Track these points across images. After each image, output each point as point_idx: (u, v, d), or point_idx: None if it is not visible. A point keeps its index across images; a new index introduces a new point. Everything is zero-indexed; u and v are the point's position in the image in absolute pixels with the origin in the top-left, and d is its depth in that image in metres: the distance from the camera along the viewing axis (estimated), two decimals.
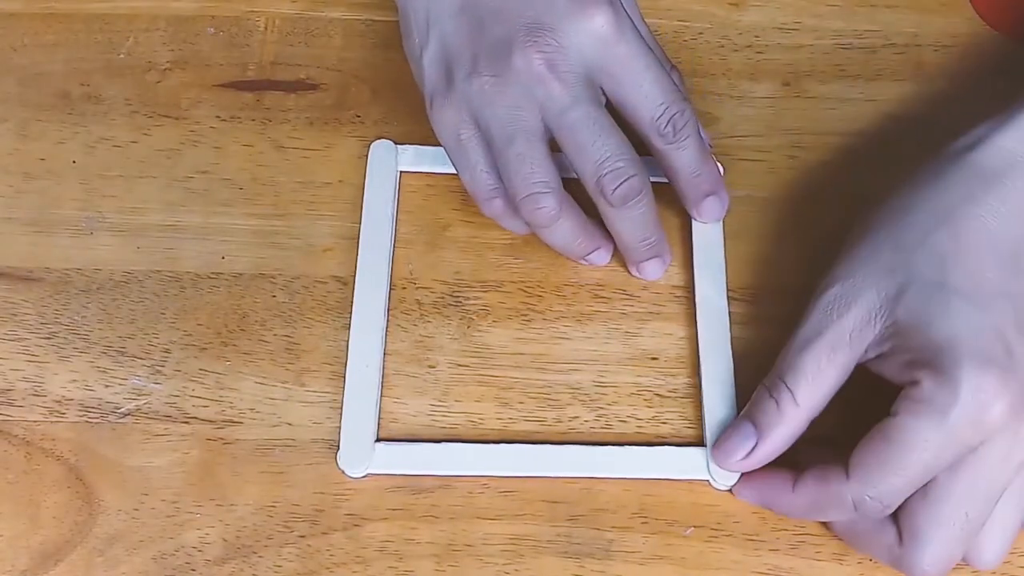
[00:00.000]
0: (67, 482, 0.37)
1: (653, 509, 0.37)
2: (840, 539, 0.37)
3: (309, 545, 0.36)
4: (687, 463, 0.38)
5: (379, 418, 0.39)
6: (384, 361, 0.40)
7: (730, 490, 0.37)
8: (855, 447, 0.34)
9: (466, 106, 0.37)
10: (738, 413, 0.38)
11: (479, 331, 0.40)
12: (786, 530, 0.37)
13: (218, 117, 0.44)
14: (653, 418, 0.39)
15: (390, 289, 0.41)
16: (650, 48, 0.38)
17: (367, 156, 0.43)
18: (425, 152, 0.43)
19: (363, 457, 0.37)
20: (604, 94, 0.38)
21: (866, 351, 0.35)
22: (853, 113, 0.45)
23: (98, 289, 0.41)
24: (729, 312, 0.40)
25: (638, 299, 0.41)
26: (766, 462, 0.36)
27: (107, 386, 0.39)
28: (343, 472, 0.37)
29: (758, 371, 0.39)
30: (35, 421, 0.38)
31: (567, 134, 0.37)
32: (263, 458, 0.38)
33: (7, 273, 0.41)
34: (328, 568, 0.36)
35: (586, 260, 0.41)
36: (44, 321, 0.40)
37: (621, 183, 0.37)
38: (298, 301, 0.41)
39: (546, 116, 0.37)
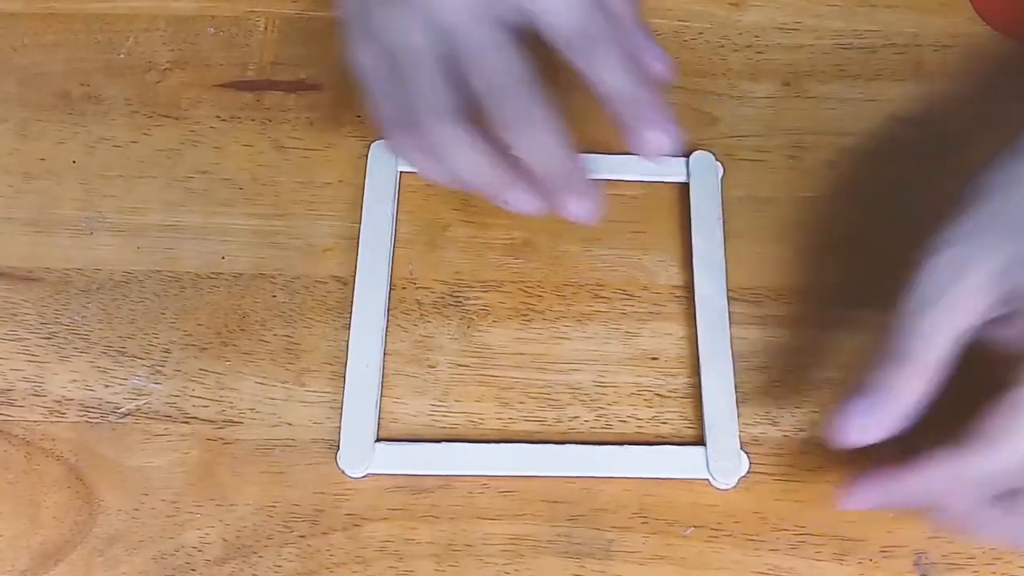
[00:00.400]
0: (67, 482, 0.37)
1: (653, 509, 0.37)
2: (945, 527, 0.35)
3: (309, 545, 0.36)
4: (687, 463, 0.38)
5: (379, 418, 0.39)
6: (384, 361, 0.40)
7: (844, 504, 0.34)
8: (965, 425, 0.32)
9: (375, 37, 0.36)
10: (738, 413, 0.39)
11: (479, 331, 0.40)
12: (786, 530, 0.37)
13: (218, 117, 0.44)
14: (653, 418, 0.39)
15: (390, 289, 0.41)
16: None
17: (367, 156, 0.43)
18: None
19: (363, 457, 0.37)
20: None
21: (983, 315, 0.33)
22: (853, 113, 0.45)
23: (98, 289, 0.41)
24: (729, 312, 0.40)
25: (638, 299, 0.41)
26: (889, 432, 0.33)
27: (107, 386, 0.39)
28: (343, 472, 0.37)
29: (758, 371, 0.40)
30: (35, 421, 0.38)
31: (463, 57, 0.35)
32: (263, 458, 0.38)
33: (7, 273, 0.41)
34: (328, 568, 0.36)
35: (505, 202, 0.38)
36: (44, 321, 0.40)
37: (510, 103, 0.35)
38: (298, 301, 0.41)
39: (446, 40, 0.35)
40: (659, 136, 0.36)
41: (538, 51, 0.37)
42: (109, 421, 0.38)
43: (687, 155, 0.43)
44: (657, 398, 0.39)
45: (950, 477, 0.32)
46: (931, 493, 0.33)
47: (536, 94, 0.35)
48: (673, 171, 0.43)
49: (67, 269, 0.41)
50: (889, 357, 0.33)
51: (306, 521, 0.37)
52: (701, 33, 0.47)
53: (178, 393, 0.39)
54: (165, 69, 0.45)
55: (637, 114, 0.36)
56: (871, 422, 0.33)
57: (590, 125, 0.45)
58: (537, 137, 0.36)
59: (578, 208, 0.37)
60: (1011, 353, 0.32)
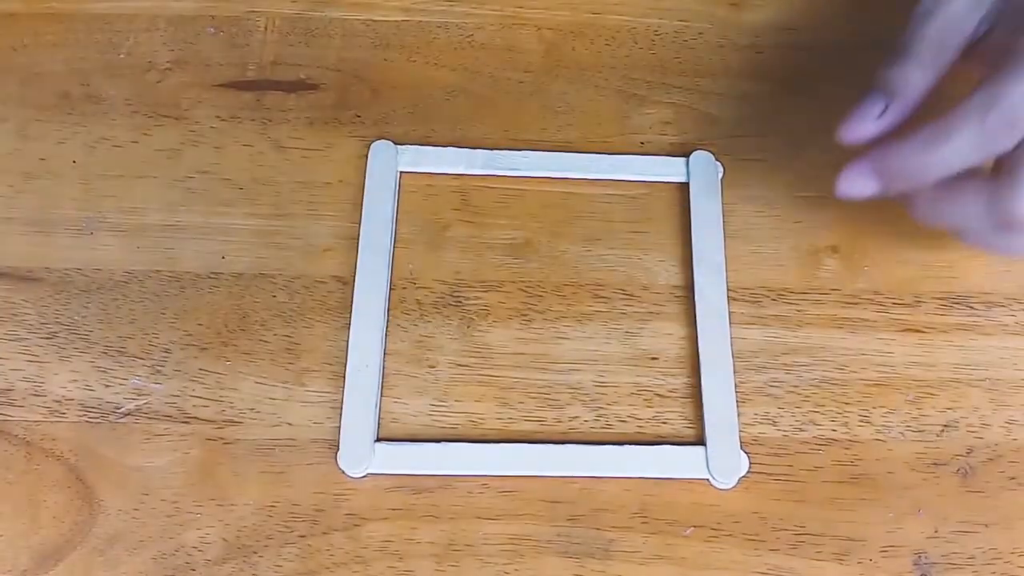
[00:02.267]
0: (67, 482, 0.37)
1: (653, 509, 0.37)
2: (924, 220, 0.36)
3: (309, 545, 0.36)
4: (687, 463, 0.38)
5: (379, 418, 0.39)
6: (384, 361, 0.40)
7: (846, 190, 0.36)
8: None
9: None
10: (738, 413, 0.39)
11: (479, 331, 0.40)
12: (786, 530, 0.37)
13: (218, 117, 0.44)
14: (653, 418, 0.39)
15: (390, 289, 0.41)
16: None
17: (367, 156, 0.43)
18: (425, 152, 0.43)
19: (363, 457, 0.37)
20: None
21: (980, 23, 0.35)
22: None
23: (98, 289, 0.41)
24: (729, 312, 0.40)
25: (638, 299, 0.41)
26: (896, 122, 0.36)
27: (107, 386, 0.39)
28: (343, 472, 0.37)
29: (758, 371, 0.40)
30: (35, 421, 0.38)
31: None
32: (263, 458, 0.38)
33: (7, 273, 0.41)
34: (328, 568, 0.36)
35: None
36: (44, 321, 0.40)
37: None
38: (298, 301, 0.41)
39: None
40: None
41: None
42: (109, 421, 0.38)
43: (687, 155, 0.44)
44: (657, 398, 0.39)
45: (950, 126, 0.33)
46: (927, 149, 0.34)
47: None
48: (673, 171, 0.43)
49: (67, 269, 0.41)
50: (896, 63, 0.36)
51: (306, 521, 0.37)
52: (701, 33, 0.47)
53: (178, 393, 0.39)
54: (165, 69, 0.45)
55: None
56: (877, 121, 0.36)
57: (591, 125, 0.45)
58: None
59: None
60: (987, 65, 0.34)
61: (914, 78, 0.36)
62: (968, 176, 0.34)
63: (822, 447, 0.39)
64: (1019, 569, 0.37)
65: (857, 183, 0.36)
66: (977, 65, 0.35)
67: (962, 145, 0.33)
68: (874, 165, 0.35)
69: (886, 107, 0.36)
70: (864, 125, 0.36)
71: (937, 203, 0.35)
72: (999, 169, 0.34)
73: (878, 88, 0.36)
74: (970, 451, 0.39)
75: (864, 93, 0.37)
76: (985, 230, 0.35)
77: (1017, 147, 0.33)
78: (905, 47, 0.36)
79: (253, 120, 0.44)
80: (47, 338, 0.40)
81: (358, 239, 0.41)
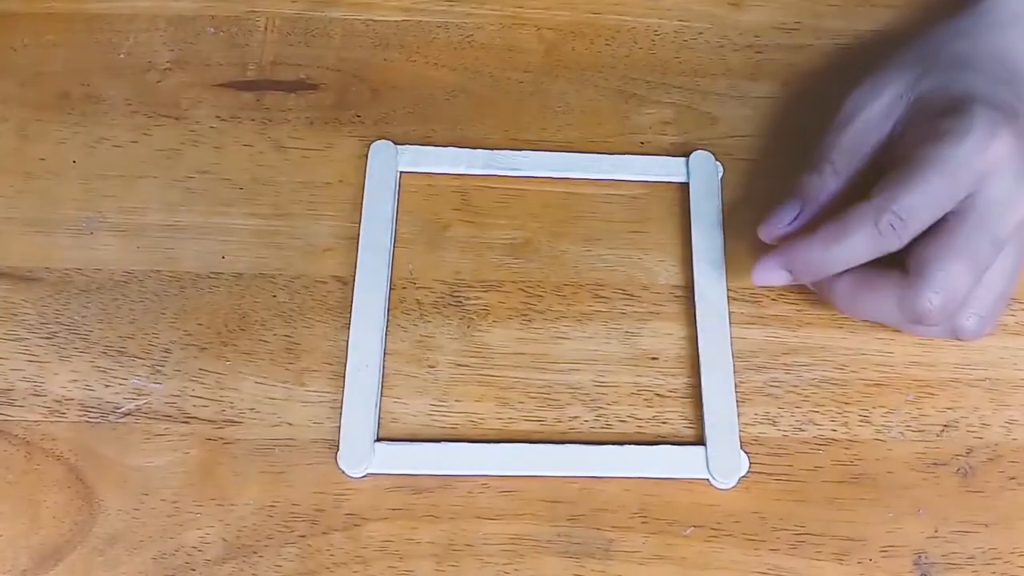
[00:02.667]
0: (67, 482, 0.37)
1: (653, 509, 0.37)
2: (844, 312, 0.39)
3: (309, 545, 0.36)
4: (687, 462, 0.38)
5: (379, 418, 0.39)
6: (384, 361, 0.40)
7: (760, 280, 0.39)
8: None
9: None
10: (738, 413, 0.39)
11: (479, 331, 0.40)
12: (786, 530, 0.37)
13: (218, 117, 0.44)
14: (653, 418, 0.39)
15: (390, 289, 0.41)
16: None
17: (367, 156, 0.43)
18: (425, 152, 0.43)
19: (363, 457, 0.37)
20: None
21: (894, 127, 0.39)
22: None
23: (98, 289, 0.41)
24: (729, 312, 0.40)
25: (638, 299, 0.41)
26: (806, 224, 0.38)
27: (107, 386, 0.39)
28: (343, 472, 0.37)
29: (758, 371, 0.40)
30: (35, 421, 0.38)
31: None
32: (263, 458, 0.38)
33: (7, 273, 0.41)
34: (328, 568, 0.36)
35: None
36: (44, 321, 0.40)
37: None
38: (298, 301, 0.41)
39: None
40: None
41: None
42: (109, 421, 0.38)
43: (687, 155, 0.44)
44: (657, 398, 0.39)
45: (849, 225, 0.36)
46: (831, 246, 0.37)
47: None
48: (673, 171, 0.43)
49: (67, 269, 0.41)
50: (813, 170, 0.39)
51: (306, 521, 0.37)
52: (701, 33, 0.47)
53: (178, 393, 0.39)
54: (165, 69, 0.45)
55: None
56: (791, 225, 0.39)
57: (591, 125, 0.45)
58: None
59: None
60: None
61: (827, 184, 0.39)
62: (881, 271, 0.37)
63: (822, 447, 0.39)
64: (1019, 569, 0.37)
65: (770, 275, 0.38)
66: (888, 164, 0.38)
67: (856, 244, 0.36)
68: (782, 260, 0.38)
69: (800, 211, 0.39)
70: (779, 228, 0.39)
71: (854, 299, 0.38)
72: (908, 268, 0.36)
73: (794, 194, 0.39)
74: (970, 451, 0.39)
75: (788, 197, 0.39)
76: (900, 321, 0.37)
77: (924, 246, 0.36)
78: (821, 155, 0.39)
79: (253, 120, 0.44)
80: (47, 338, 0.40)
81: (358, 239, 0.41)
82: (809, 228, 0.37)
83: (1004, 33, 0.40)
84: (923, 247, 0.36)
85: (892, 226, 0.35)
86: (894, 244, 0.36)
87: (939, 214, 0.36)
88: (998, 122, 0.36)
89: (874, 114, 0.39)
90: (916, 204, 0.35)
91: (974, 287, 0.36)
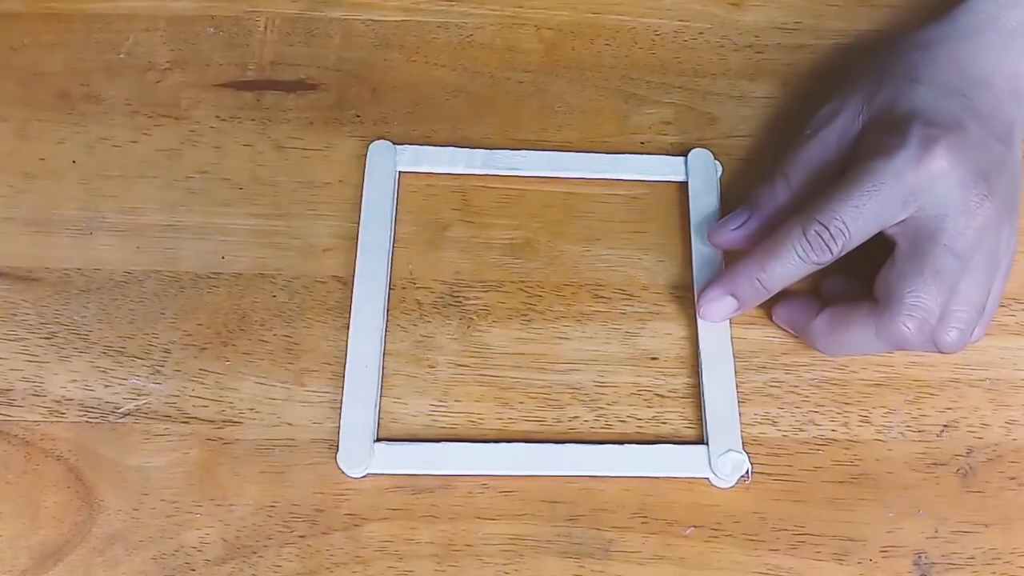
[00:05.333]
0: (67, 482, 0.37)
1: (653, 509, 0.37)
2: (828, 354, 0.40)
3: (309, 545, 0.36)
4: (687, 461, 0.38)
5: (379, 418, 0.39)
6: (384, 361, 0.40)
7: (707, 315, 0.39)
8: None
9: None
10: (739, 414, 0.39)
11: (479, 331, 0.40)
12: (786, 530, 0.37)
13: (218, 117, 0.44)
14: (653, 418, 0.39)
15: (390, 289, 0.41)
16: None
17: (366, 156, 0.43)
18: (424, 152, 0.43)
19: (363, 457, 0.37)
20: None
21: (845, 145, 0.39)
22: None
23: (98, 289, 0.41)
24: None
25: (638, 299, 0.41)
26: (754, 237, 0.40)
27: (107, 386, 0.39)
28: (343, 472, 0.37)
29: (758, 371, 0.40)
30: (35, 421, 0.38)
31: None
32: (263, 458, 0.38)
33: (7, 273, 0.41)
34: (328, 568, 0.36)
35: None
36: (44, 321, 0.40)
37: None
38: (298, 301, 0.41)
39: None
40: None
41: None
42: (109, 421, 0.38)
43: (686, 154, 0.44)
44: (657, 398, 0.39)
45: (763, 268, 0.38)
46: (754, 284, 0.38)
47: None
48: (672, 170, 0.43)
49: (67, 269, 0.41)
50: (767, 181, 0.40)
51: (306, 521, 0.37)
52: (701, 33, 0.47)
53: (178, 393, 0.39)
54: (165, 69, 0.45)
55: None
56: (737, 231, 0.40)
57: (591, 125, 0.45)
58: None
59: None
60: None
61: (777, 195, 0.40)
62: (853, 305, 0.38)
63: (822, 447, 0.39)
64: (1019, 569, 0.37)
65: (717, 304, 0.39)
66: None
67: (788, 257, 0.37)
68: (725, 286, 0.39)
69: (748, 219, 0.40)
70: (725, 233, 0.40)
71: (834, 337, 0.38)
72: (877, 297, 0.37)
73: (746, 203, 0.40)
74: (970, 451, 0.39)
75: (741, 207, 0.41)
76: (882, 348, 0.38)
77: (888, 272, 0.37)
78: (777, 168, 0.40)
79: (253, 120, 0.44)
80: (47, 338, 0.40)
81: (357, 239, 0.41)
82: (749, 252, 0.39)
83: (967, 41, 0.40)
84: (887, 273, 0.37)
85: (819, 236, 0.36)
86: (825, 256, 0.37)
87: (871, 228, 0.36)
88: (934, 138, 0.36)
89: (831, 132, 0.40)
90: (842, 215, 0.36)
91: (948, 302, 0.36)
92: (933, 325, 0.36)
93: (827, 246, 0.36)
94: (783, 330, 0.40)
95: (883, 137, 0.37)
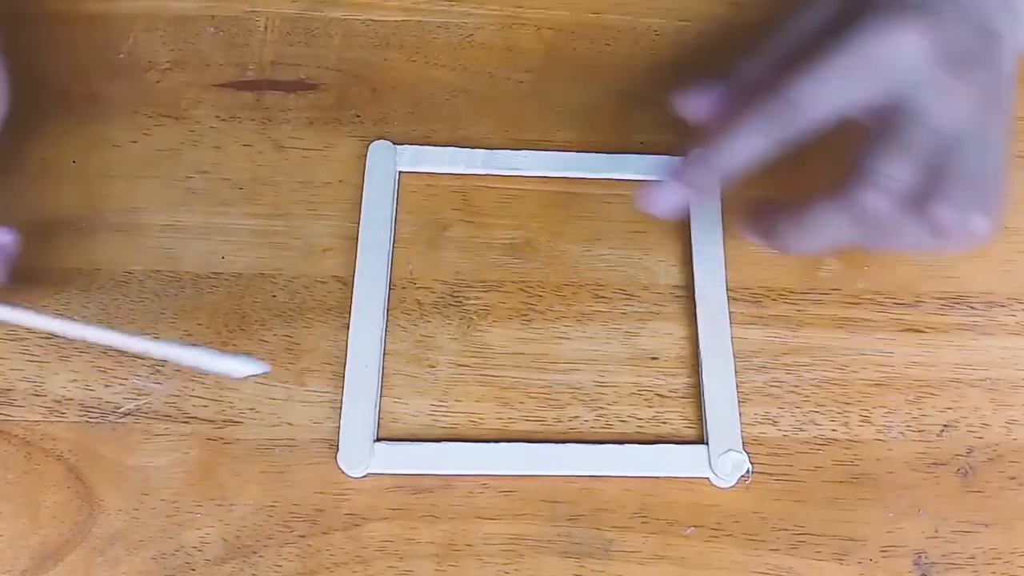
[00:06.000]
0: (67, 482, 0.37)
1: (653, 509, 0.37)
2: (802, 252, 0.39)
3: (309, 545, 0.36)
4: (687, 461, 0.38)
5: (379, 418, 0.39)
6: (384, 361, 0.40)
7: (654, 204, 0.38)
8: None
9: None
10: (739, 413, 0.39)
11: (479, 331, 0.40)
12: (786, 530, 0.37)
13: (218, 117, 0.44)
14: (653, 418, 0.39)
15: (390, 289, 0.41)
16: None
17: (366, 156, 0.43)
18: (424, 152, 0.43)
19: (363, 457, 0.37)
20: None
21: (825, 28, 0.38)
22: None
23: (98, 289, 0.41)
24: (729, 312, 0.40)
25: (638, 299, 0.41)
26: (720, 108, 0.39)
27: (107, 386, 0.39)
28: (343, 472, 0.37)
29: (759, 371, 0.40)
30: (35, 421, 0.38)
31: None
32: (263, 458, 0.38)
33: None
34: (328, 568, 0.36)
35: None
36: None
37: None
38: (298, 301, 0.41)
39: None
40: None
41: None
42: (109, 421, 0.38)
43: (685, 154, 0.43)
44: (657, 398, 0.39)
45: (726, 149, 0.36)
46: (714, 163, 0.37)
47: None
48: None
49: (67, 269, 0.41)
50: (751, 55, 0.40)
51: (306, 521, 0.37)
52: (701, 33, 0.47)
53: (178, 393, 0.39)
54: (165, 69, 0.45)
55: None
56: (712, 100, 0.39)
57: (591, 125, 0.45)
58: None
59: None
60: None
61: (754, 68, 0.39)
62: (818, 194, 0.36)
63: (822, 447, 0.39)
64: (1019, 569, 0.37)
65: (668, 194, 0.37)
66: None
67: (750, 132, 0.36)
68: (681, 175, 0.37)
69: (717, 91, 0.39)
70: (693, 100, 0.40)
71: (803, 231, 0.37)
72: (847, 176, 0.35)
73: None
74: (970, 451, 0.39)
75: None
76: (866, 235, 0.36)
77: (858, 150, 0.35)
78: (757, 48, 0.39)
79: (253, 120, 0.44)
80: (47, 338, 0.40)
81: (357, 239, 0.41)
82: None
83: None
84: (855, 150, 0.36)
85: (780, 107, 0.35)
86: (786, 130, 0.35)
87: (835, 103, 0.35)
88: (904, 16, 0.35)
89: (812, 14, 0.39)
90: (803, 86, 0.35)
91: (933, 178, 0.35)
92: (912, 200, 0.35)
93: (788, 118, 0.35)
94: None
95: (853, 17, 0.36)
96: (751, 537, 0.37)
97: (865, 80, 0.35)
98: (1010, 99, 0.37)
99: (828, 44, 0.35)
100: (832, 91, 0.35)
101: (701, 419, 0.39)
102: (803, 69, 0.35)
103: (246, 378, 0.37)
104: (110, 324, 0.40)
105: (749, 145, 0.36)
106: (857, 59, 0.35)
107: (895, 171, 0.35)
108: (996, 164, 0.36)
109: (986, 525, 0.37)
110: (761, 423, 0.39)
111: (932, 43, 0.35)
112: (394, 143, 0.43)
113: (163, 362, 0.39)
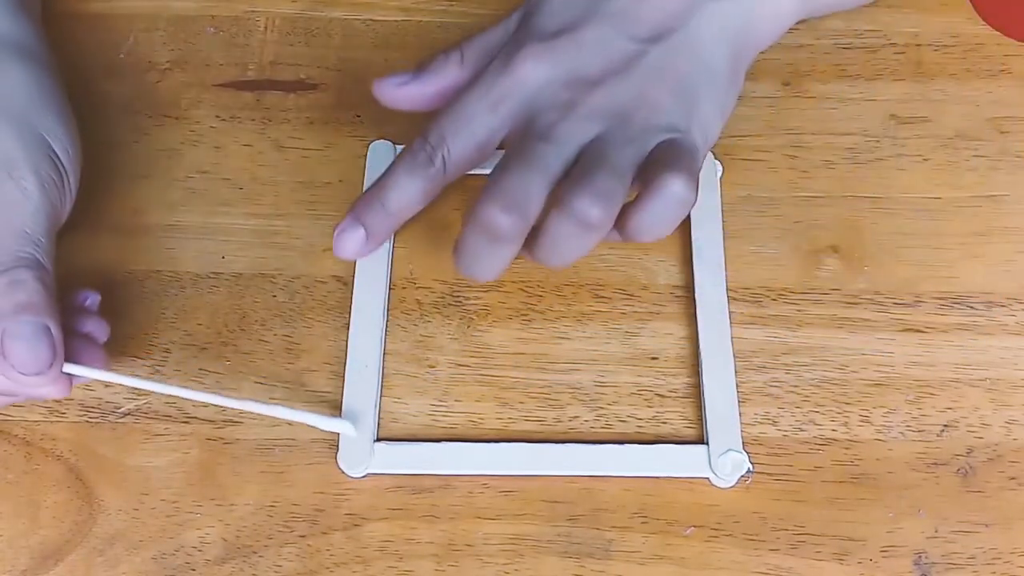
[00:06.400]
0: (67, 482, 0.37)
1: (653, 509, 0.37)
2: (559, 265, 0.37)
3: (309, 545, 0.36)
4: (687, 461, 0.38)
5: (379, 418, 0.39)
6: (384, 361, 0.40)
7: (341, 250, 0.39)
8: None
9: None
10: (739, 413, 0.39)
11: (479, 331, 0.40)
12: (786, 530, 0.37)
13: (218, 117, 0.44)
14: (653, 418, 0.39)
15: (390, 289, 0.41)
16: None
17: (366, 156, 0.43)
18: None
19: (363, 457, 0.37)
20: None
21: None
22: (853, 113, 0.45)
23: (99, 289, 0.40)
24: (729, 312, 0.40)
25: (638, 299, 0.41)
26: (415, 100, 0.40)
27: (107, 386, 0.39)
28: (343, 472, 0.37)
29: (758, 371, 0.40)
30: (35, 421, 0.38)
31: None
32: (263, 458, 0.38)
33: None
34: (328, 568, 0.36)
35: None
36: None
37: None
38: (298, 301, 0.41)
39: None
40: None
41: None
42: (109, 421, 0.38)
43: None
44: (657, 398, 0.39)
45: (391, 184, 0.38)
46: (377, 204, 0.39)
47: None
48: None
49: (67, 269, 0.41)
50: (444, 52, 0.40)
51: (306, 521, 0.37)
52: None
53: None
54: (165, 69, 0.45)
55: None
56: (397, 89, 0.40)
57: None
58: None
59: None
60: None
61: (449, 68, 0.39)
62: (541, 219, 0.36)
63: (822, 447, 0.39)
64: (1019, 569, 0.37)
65: (347, 237, 0.39)
66: None
67: (400, 175, 0.38)
68: (352, 216, 0.39)
69: (412, 79, 0.39)
70: (388, 88, 0.40)
71: (464, 256, 0.37)
72: (564, 187, 0.35)
73: (418, 63, 0.40)
74: (970, 451, 0.39)
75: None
76: (499, 247, 0.36)
77: (566, 183, 0.35)
78: (460, 44, 0.40)
79: (253, 120, 0.44)
80: None
81: None
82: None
83: None
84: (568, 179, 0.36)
85: (422, 148, 0.38)
86: (430, 169, 0.38)
87: (470, 140, 0.37)
88: (519, 46, 0.37)
89: (510, 23, 0.40)
90: (442, 126, 0.37)
91: (542, 185, 0.35)
92: (524, 208, 0.35)
93: (430, 158, 0.37)
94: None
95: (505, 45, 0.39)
96: (751, 537, 0.37)
97: (492, 114, 0.37)
98: (657, 90, 0.37)
99: (470, 82, 0.38)
100: (465, 128, 0.37)
101: (701, 419, 0.39)
102: (445, 110, 0.38)
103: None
104: (110, 324, 0.40)
105: (404, 187, 0.38)
106: (482, 97, 0.37)
107: (514, 183, 0.35)
108: (632, 159, 0.36)
109: (986, 525, 0.37)
110: (761, 423, 0.39)
111: (550, 67, 0.37)
112: (394, 143, 0.43)
113: (163, 362, 0.39)
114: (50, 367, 0.33)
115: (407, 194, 0.38)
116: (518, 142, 0.37)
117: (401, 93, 0.40)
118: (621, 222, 0.36)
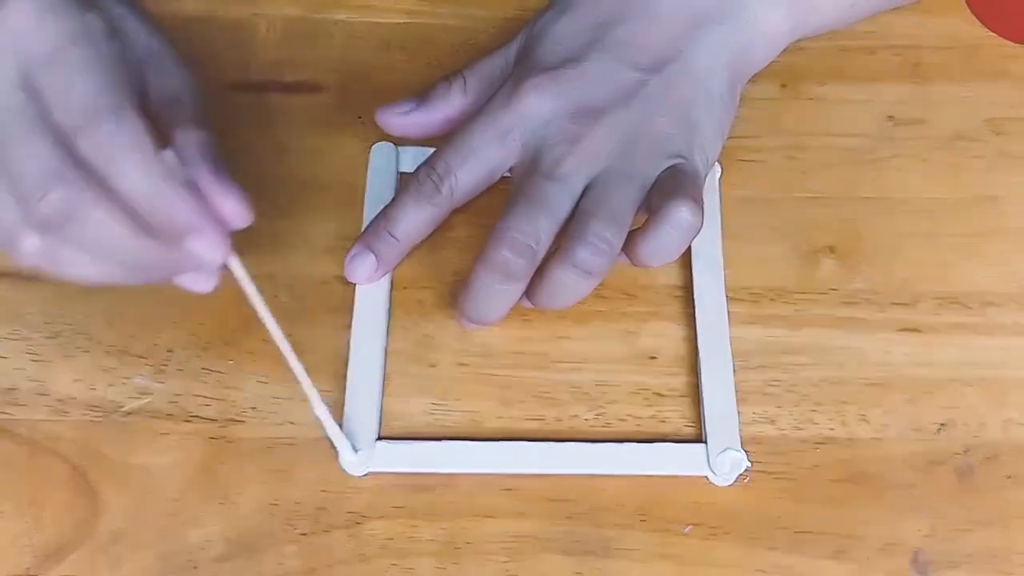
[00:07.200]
0: (70, 481, 0.37)
1: (653, 507, 0.37)
2: (563, 306, 0.38)
3: (311, 543, 0.37)
4: (686, 459, 0.38)
5: (381, 417, 0.39)
6: (386, 360, 0.40)
7: (353, 274, 0.39)
8: None
9: None
10: (738, 412, 0.39)
11: (480, 331, 0.40)
12: (784, 528, 0.37)
13: (220, 118, 0.44)
14: (652, 417, 0.39)
15: (391, 289, 0.41)
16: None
17: (368, 156, 0.43)
18: (426, 153, 0.43)
19: (365, 456, 0.38)
20: None
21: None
22: (851, 114, 0.45)
23: (102, 289, 0.41)
24: (728, 312, 0.41)
25: (638, 299, 0.41)
26: (420, 128, 0.41)
27: (111, 385, 0.39)
28: (345, 471, 0.38)
29: (757, 370, 0.40)
30: (39, 420, 0.38)
31: None
32: (265, 457, 0.38)
33: (11, 273, 0.41)
34: (330, 566, 0.36)
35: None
36: (48, 321, 0.40)
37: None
38: (300, 301, 0.41)
39: None
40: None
41: None
42: (113, 420, 0.38)
43: None
44: (656, 397, 0.40)
45: (393, 215, 0.39)
46: (384, 233, 0.39)
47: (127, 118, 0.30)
48: None
49: None
50: (447, 80, 0.41)
51: (308, 519, 0.37)
52: None
53: (181, 392, 0.39)
54: None
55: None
56: (399, 117, 0.41)
57: None
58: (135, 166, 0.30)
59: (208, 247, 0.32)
60: None
61: (452, 96, 0.40)
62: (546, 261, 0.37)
63: (820, 446, 0.39)
64: (1017, 567, 0.37)
65: (358, 262, 0.39)
66: None
67: (408, 204, 0.39)
68: (361, 243, 0.39)
69: (416, 108, 0.41)
70: (393, 115, 0.41)
71: (470, 300, 0.38)
72: (566, 236, 0.36)
73: (421, 92, 0.41)
74: (968, 450, 0.39)
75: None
76: (505, 288, 0.37)
77: (571, 228, 0.36)
78: (462, 71, 0.41)
79: (255, 122, 0.45)
80: (51, 337, 0.40)
81: None
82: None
83: None
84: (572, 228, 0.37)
85: (428, 177, 0.38)
86: (436, 198, 0.38)
87: (478, 170, 0.38)
88: (525, 77, 0.38)
89: (511, 50, 0.41)
90: (448, 157, 0.38)
91: (551, 225, 0.36)
92: (535, 249, 0.36)
93: (437, 187, 0.38)
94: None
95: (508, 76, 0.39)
96: (749, 535, 0.37)
97: (500, 146, 0.38)
98: (659, 119, 0.38)
99: (477, 113, 0.39)
100: (471, 159, 0.38)
101: (700, 418, 0.39)
102: (450, 140, 0.38)
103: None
104: (114, 324, 0.40)
105: (412, 216, 0.39)
106: (488, 127, 0.38)
107: (522, 226, 0.36)
108: (635, 194, 0.37)
109: (983, 524, 0.38)
110: (759, 422, 0.39)
111: (555, 98, 0.38)
112: (396, 144, 0.44)
113: (166, 361, 0.40)
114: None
115: (414, 223, 0.39)
116: (526, 180, 0.37)
117: (407, 121, 0.41)
118: (630, 248, 0.37)
